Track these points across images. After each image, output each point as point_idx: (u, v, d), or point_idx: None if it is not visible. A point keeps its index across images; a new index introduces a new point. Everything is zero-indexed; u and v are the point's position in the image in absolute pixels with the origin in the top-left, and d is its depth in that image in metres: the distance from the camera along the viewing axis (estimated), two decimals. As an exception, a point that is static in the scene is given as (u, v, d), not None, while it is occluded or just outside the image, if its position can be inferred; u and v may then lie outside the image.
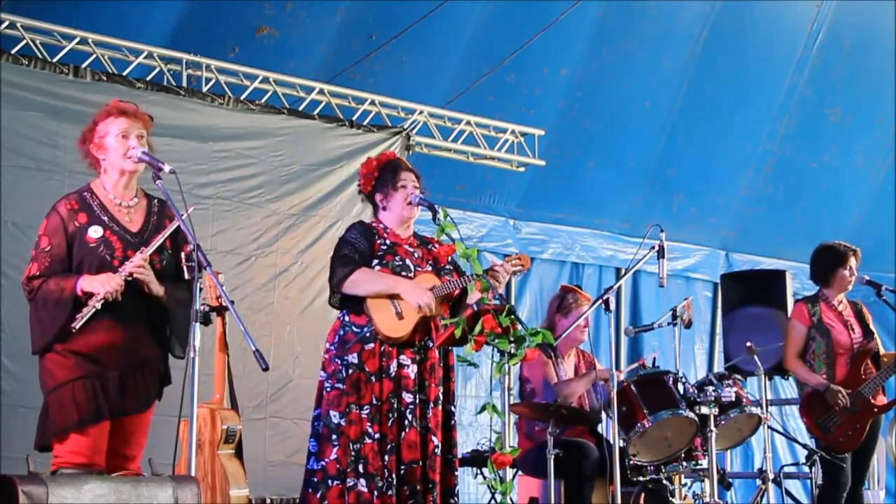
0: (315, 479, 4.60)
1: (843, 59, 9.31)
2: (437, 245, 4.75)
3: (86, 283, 3.91)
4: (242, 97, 6.83)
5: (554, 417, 5.21)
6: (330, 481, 4.54)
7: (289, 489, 6.30)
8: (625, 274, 6.22)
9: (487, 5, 7.92)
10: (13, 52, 5.99)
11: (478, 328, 4.28)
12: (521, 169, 8.28)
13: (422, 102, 7.66)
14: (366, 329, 4.66)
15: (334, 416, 4.58)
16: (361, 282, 4.67)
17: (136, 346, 4.03)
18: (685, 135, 9.09)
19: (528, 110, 8.35)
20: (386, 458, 4.54)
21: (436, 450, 4.66)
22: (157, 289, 4.02)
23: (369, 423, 4.55)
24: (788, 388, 8.58)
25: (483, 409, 4.33)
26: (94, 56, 6.33)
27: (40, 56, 6.09)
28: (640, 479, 5.54)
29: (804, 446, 6.51)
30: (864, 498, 6.74)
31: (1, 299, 5.63)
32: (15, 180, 5.78)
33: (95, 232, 4.01)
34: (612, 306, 5.23)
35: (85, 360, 3.92)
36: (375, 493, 4.48)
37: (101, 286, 3.89)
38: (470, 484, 7.11)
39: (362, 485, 4.49)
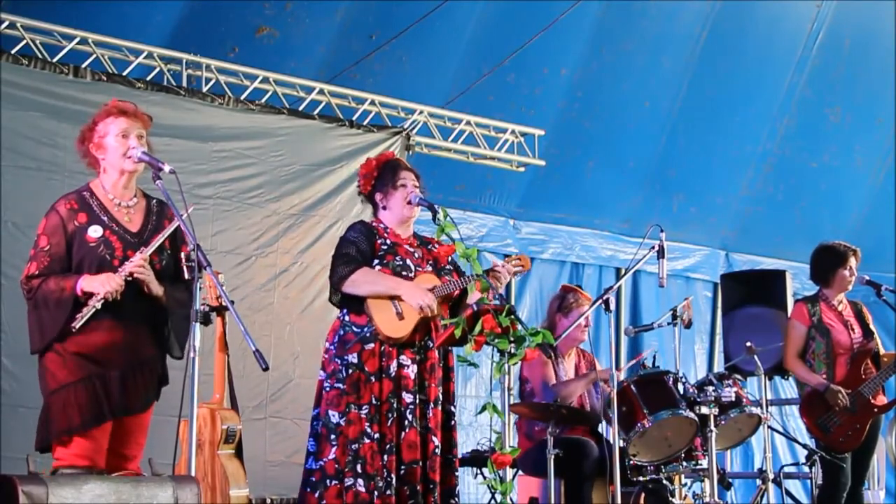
0: (313, 479, 4.59)
1: (843, 59, 9.31)
2: (437, 245, 4.75)
3: (86, 282, 3.91)
4: (242, 97, 6.83)
5: (554, 417, 5.21)
6: (328, 481, 4.53)
7: (289, 489, 6.29)
8: (625, 274, 6.21)
9: (487, 5, 7.91)
10: (13, 52, 5.99)
11: (478, 328, 4.27)
12: (521, 169, 8.28)
13: (422, 102, 7.66)
14: (366, 329, 4.66)
15: (333, 416, 4.58)
16: (362, 282, 4.66)
17: (137, 346, 4.04)
18: (685, 135, 9.09)
19: (528, 110, 8.35)
20: (385, 458, 4.54)
21: (436, 450, 4.66)
22: (157, 289, 4.02)
23: (368, 423, 4.55)
24: (788, 388, 8.58)
25: (483, 409, 4.33)
26: (94, 56, 6.33)
27: (40, 56, 6.09)
28: (640, 479, 5.54)
29: (804, 446, 6.51)
30: (864, 498, 6.74)
31: (1, 299, 5.63)
32: (15, 180, 5.78)
33: (95, 232, 4.01)
34: (612, 306, 5.22)
35: (86, 360, 3.92)
36: (375, 493, 4.48)
37: (101, 286, 3.89)
38: (470, 484, 7.11)
39: (360, 484, 4.49)
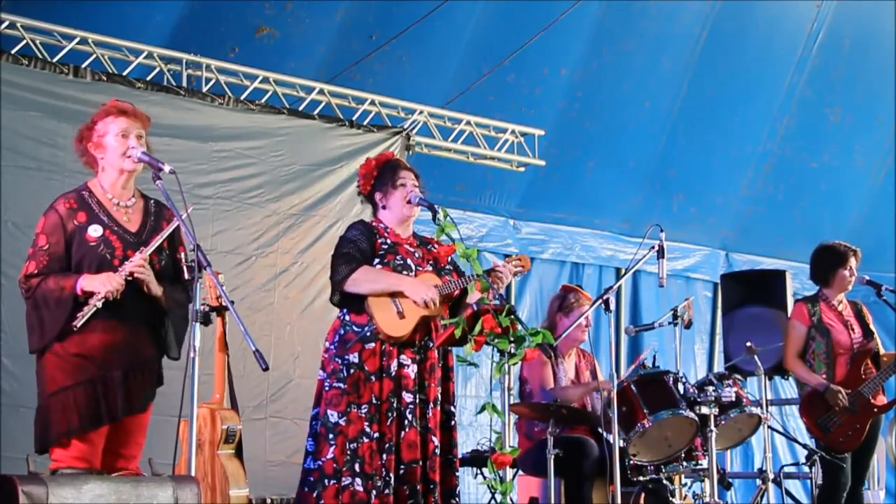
0: (311, 478, 4.59)
1: (843, 59, 9.32)
2: (436, 245, 4.75)
3: (86, 282, 3.91)
4: (242, 97, 6.83)
5: (554, 417, 5.20)
6: (326, 480, 4.53)
7: (289, 489, 6.27)
8: (625, 274, 6.21)
9: (487, 5, 7.92)
10: (13, 52, 5.99)
11: (478, 328, 4.27)
12: (521, 169, 8.28)
13: (422, 102, 7.66)
14: (366, 328, 4.66)
15: (332, 416, 4.58)
16: (363, 280, 4.66)
17: (136, 346, 4.04)
18: (685, 135, 9.09)
19: (528, 110, 8.35)
20: (384, 457, 4.54)
21: (436, 450, 4.66)
22: (157, 289, 4.02)
23: (368, 423, 4.54)
24: (788, 388, 8.58)
25: (483, 409, 4.33)
26: (94, 56, 6.33)
27: (40, 56, 6.09)
28: (640, 479, 5.54)
29: (804, 446, 6.51)
30: (864, 498, 6.74)
31: (1, 299, 5.63)
32: (15, 180, 5.79)
33: (95, 231, 4.01)
34: (612, 306, 5.22)
35: (86, 361, 3.92)
36: (373, 492, 4.48)
37: (101, 285, 3.89)
38: (470, 484, 7.10)
39: (358, 484, 4.48)
